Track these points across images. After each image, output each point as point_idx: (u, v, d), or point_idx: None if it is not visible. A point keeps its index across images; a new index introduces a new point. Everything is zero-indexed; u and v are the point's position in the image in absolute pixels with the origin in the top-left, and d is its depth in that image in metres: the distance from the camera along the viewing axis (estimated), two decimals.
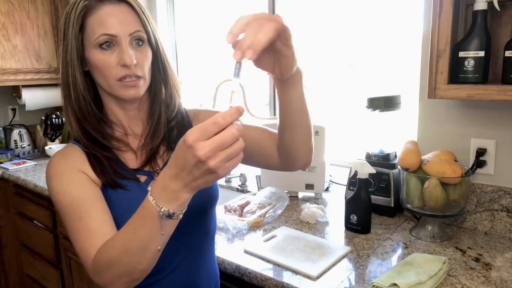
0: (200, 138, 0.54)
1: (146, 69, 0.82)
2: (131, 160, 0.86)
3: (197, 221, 0.90)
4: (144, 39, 0.81)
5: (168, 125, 0.89)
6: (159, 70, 0.88)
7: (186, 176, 0.57)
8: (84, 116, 0.83)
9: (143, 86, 0.83)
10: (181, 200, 0.60)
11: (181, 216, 0.62)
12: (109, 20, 0.77)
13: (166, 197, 0.60)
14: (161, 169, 0.86)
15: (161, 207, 0.60)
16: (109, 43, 0.78)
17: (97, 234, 0.74)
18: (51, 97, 2.66)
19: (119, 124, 0.88)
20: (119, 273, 0.68)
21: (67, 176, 0.79)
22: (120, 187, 0.82)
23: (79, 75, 0.81)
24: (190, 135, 0.54)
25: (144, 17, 0.81)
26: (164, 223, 0.62)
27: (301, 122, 0.77)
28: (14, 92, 2.58)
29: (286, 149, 0.82)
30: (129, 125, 0.88)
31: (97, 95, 0.87)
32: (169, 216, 0.61)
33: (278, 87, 0.73)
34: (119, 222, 0.79)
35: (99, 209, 0.77)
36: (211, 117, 0.54)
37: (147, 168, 0.86)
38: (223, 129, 0.54)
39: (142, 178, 0.85)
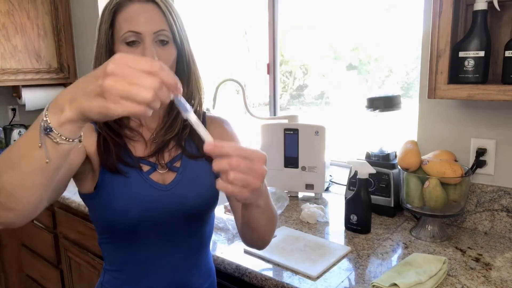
0: (128, 60, 0.49)
1: (168, 67, 0.83)
2: (140, 150, 0.88)
3: (192, 224, 0.90)
4: (169, 38, 0.83)
5: (183, 123, 0.91)
6: (183, 68, 0.89)
7: (81, 83, 0.51)
8: None
9: None
10: (64, 115, 0.51)
11: (60, 142, 0.53)
12: (136, 18, 0.79)
13: (53, 105, 0.53)
14: (166, 163, 0.88)
15: (46, 115, 0.52)
16: (134, 40, 0.80)
17: None
18: (51, 97, 2.63)
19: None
20: None
21: None
22: (119, 172, 0.83)
23: None
24: (122, 54, 0.50)
25: (170, 16, 0.82)
26: (43, 137, 0.53)
27: (260, 227, 0.80)
28: (14, 92, 2.58)
29: (246, 236, 0.87)
30: (145, 118, 0.89)
31: None
32: (46, 129, 0.52)
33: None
34: (114, 205, 0.81)
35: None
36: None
37: (152, 159, 0.88)
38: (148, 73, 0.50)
39: (145, 168, 0.86)
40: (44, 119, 0.52)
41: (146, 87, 0.49)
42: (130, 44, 0.80)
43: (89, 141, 0.84)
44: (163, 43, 0.82)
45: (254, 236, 0.84)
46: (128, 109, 0.49)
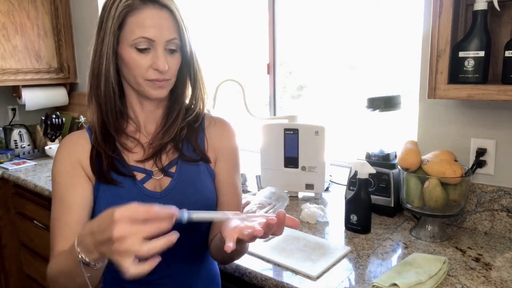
0: (127, 216, 0.58)
1: (174, 73, 0.85)
2: (137, 154, 0.88)
3: (191, 230, 0.89)
4: (178, 46, 0.83)
5: (180, 125, 0.91)
6: (190, 74, 0.89)
7: (95, 239, 0.61)
8: (107, 110, 0.85)
9: (168, 87, 0.86)
10: (94, 256, 0.63)
11: (101, 266, 0.66)
12: (150, 24, 0.78)
13: (82, 247, 0.64)
14: (163, 168, 0.87)
15: (80, 253, 0.64)
16: (146, 48, 0.79)
17: (66, 240, 0.80)
18: (51, 97, 2.66)
19: (135, 119, 0.90)
20: None
21: (66, 166, 0.84)
22: (113, 182, 0.83)
23: (112, 69, 0.82)
24: (119, 211, 0.58)
25: (182, 25, 0.82)
26: (84, 266, 0.65)
27: (236, 255, 0.90)
28: (14, 92, 2.58)
29: (217, 257, 0.94)
30: (144, 121, 0.90)
31: (122, 87, 0.89)
32: (87, 264, 0.64)
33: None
34: None
35: (80, 213, 0.84)
36: (147, 205, 0.59)
37: (148, 166, 0.87)
38: (152, 222, 0.59)
39: (139, 176, 0.86)
40: (79, 256, 0.64)
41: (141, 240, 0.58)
42: (141, 50, 0.79)
43: (85, 159, 0.86)
44: (172, 51, 0.82)
45: (226, 258, 0.91)
46: (135, 269, 0.58)
